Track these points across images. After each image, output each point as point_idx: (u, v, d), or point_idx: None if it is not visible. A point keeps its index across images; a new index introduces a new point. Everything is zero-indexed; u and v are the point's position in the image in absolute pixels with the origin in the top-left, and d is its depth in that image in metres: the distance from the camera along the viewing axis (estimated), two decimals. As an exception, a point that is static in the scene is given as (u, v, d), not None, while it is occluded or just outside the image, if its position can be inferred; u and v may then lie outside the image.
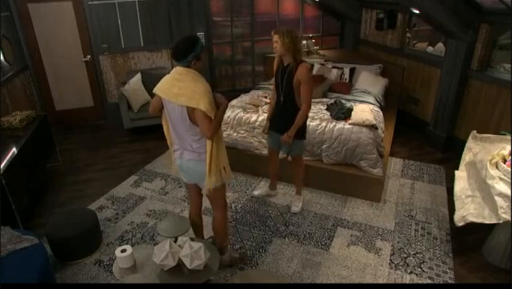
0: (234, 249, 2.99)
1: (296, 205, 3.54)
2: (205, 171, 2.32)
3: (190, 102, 2.16)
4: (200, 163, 2.35)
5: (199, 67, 2.28)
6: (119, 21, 5.43)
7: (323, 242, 3.11)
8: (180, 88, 2.19)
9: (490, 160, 2.71)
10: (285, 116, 3.08)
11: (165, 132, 2.54)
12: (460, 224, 2.68)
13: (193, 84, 2.19)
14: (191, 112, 2.20)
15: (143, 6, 5.45)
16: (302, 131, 3.18)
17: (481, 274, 2.78)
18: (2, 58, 4.21)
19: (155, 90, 2.33)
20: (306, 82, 2.92)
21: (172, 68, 2.41)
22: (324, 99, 4.51)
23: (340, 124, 3.71)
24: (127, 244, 3.10)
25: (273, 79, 3.21)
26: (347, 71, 5.13)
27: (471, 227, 2.71)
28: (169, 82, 2.27)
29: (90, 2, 5.17)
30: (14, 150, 3.28)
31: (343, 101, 4.12)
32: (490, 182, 2.56)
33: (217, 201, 2.57)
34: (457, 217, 2.73)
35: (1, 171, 2.85)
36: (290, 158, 3.49)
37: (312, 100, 4.43)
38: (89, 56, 5.47)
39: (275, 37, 2.89)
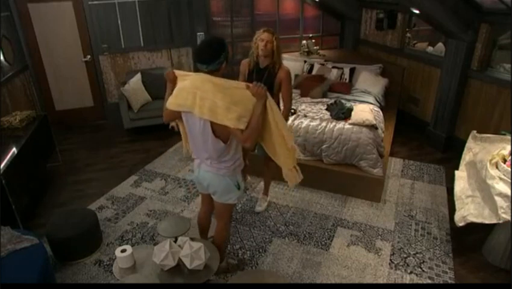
0: (233, 255, 2.97)
1: (260, 204, 3.55)
2: (222, 186, 2.26)
3: (213, 116, 1.96)
4: (217, 177, 2.24)
5: (224, 70, 2.14)
6: (119, 21, 5.43)
7: (323, 242, 3.11)
8: (201, 99, 1.97)
9: (490, 160, 2.71)
10: None
11: (183, 140, 2.44)
12: (461, 224, 2.68)
13: (213, 95, 1.96)
14: (215, 125, 2.02)
15: (143, 6, 5.45)
16: None
17: (481, 274, 2.78)
18: (2, 58, 4.21)
19: (169, 105, 2.12)
20: (288, 83, 2.95)
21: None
22: (324, 99, 4.52)
23: (340, 124, 3.71)
24: (127, 244, 3.10)
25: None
26: (347, 71, 5.13)
27: (471, 227, 2.71)
28: (189, 91, 2.04)
29: (90, 2, 5.17)
30: (14, 150, 3.28)
31: (343, 101, 4.12)
32: (490, 182, 2.56)
33: (224, 214, 2.49)
34: (457, 217, 2.74)
35: (1, 171, 2.85)
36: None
37: (313, 100, 4.52)
38: (89, 56, 5.46)
39: (267, 36, 2.83)
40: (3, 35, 4.32)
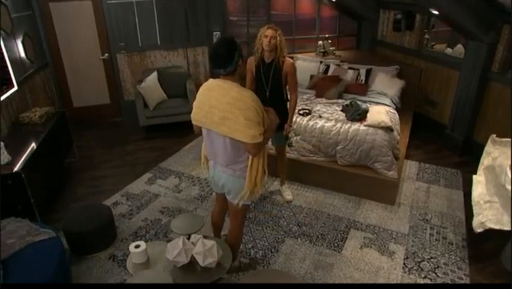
0: (245, 254, 2.98)
1: (288, 193, 3.68)
2: (237, 187, 2.29)
3: (231, 132, 2.08)
4: (233, 178, 2.29)
5: (242, 67, 2.22)
6: (137, 20, 5.51)
7: (335, 244, 3.09)
8: (220, 118, 2.09)
9: (510, 165, 2.64)
10: (275, 108, 3.07)
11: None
12: (479, 230, 2.62)
13: (231, 114, 2.05)
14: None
15: (160, 6, 5.52)
16: (285, 120, 3.25)
17: (498, 281, 2.71)
18: (23, 55, 4.32)
19: (193, 120, 2.26)
20: (294, 73, 3.15)
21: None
22: (340, 100, 4.48)
23: (355, 126, 3.68)
24: (141, 240, 3.11)
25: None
26: (363, 72, 5.08)
27: (488, 233, 2.65)
28: (207, 110, 2.14)
29: (108, 1, 5.26)
30: (33, 145, 3.36)
31: (359, 102, 4.08)
32: (509, 187, 2.50)
33: (239, 214, 2.48)
34: (476, 223, 2.67)
35: (21, 166, 2.93)
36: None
37: (328, 100, 4.49)
38: (107, 54, 5.56)
39: (271, 32, 3.00)
40: (25, 33, 4.43)
